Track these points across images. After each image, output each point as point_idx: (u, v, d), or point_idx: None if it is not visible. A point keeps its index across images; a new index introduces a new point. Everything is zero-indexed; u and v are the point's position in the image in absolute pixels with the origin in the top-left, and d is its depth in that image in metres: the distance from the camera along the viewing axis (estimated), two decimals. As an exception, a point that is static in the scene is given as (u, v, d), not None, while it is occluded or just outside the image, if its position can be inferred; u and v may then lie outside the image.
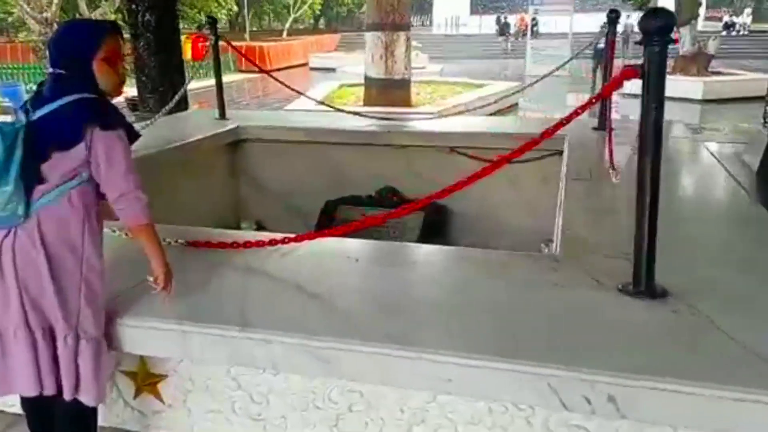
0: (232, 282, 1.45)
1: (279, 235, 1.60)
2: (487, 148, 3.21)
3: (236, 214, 3.53)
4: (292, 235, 1.57)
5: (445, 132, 3.32)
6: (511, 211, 3.15)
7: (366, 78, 7.24)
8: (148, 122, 2.95)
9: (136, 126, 2.94)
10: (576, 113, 1.38)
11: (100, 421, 1.50)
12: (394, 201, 3.18)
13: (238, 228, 3.50)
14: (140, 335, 1.30)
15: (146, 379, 1.44)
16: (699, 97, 9.16)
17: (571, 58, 4.73)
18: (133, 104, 5.05)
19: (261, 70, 3.88)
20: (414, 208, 1.51)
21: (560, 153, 3.05)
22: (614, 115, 3.16)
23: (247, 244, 1.57)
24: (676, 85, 8.91)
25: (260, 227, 3.52)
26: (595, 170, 2.38)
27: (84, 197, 1.25)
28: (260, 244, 1.56)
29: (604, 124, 3.11)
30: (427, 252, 1.66)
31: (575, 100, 9.69)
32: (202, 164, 3.22)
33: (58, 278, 1.22)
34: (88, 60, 1.27)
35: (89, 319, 1.24)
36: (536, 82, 3.71)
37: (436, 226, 3.04)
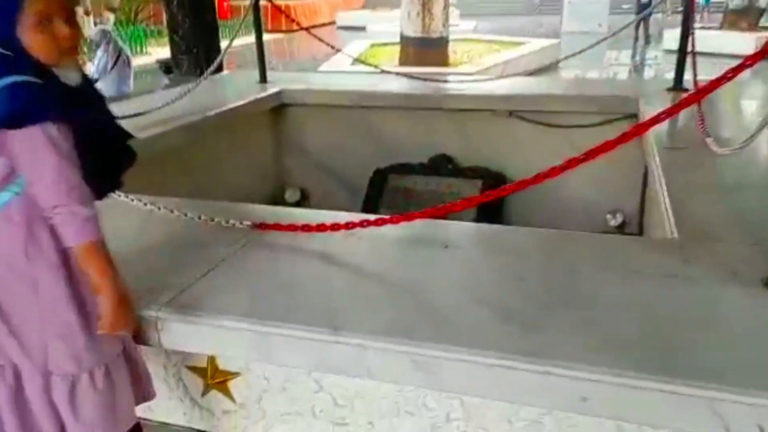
0: (311, 272, 1.28)
1: (356, 217, 1.42)
2: (550, 111, 3.00)
3: (280, 183, 3.37)
4: (372, 217, 1.40)
5: (503, 95, 3.08)
6: (570, 180, 2.95)
7: (402, 37, 6.96)
8: (191, 86, 2.77)
9: (176, 91, 2.83)
10: (726, 78, 1.11)
11: (166, 418, 1.39)
12: (448, 169, 2.99)
13: (283, 198, 3.36)
14: (210, 334, 1.14)
15: (216, 376, 1.30)
16: (750, 53, 8.65)
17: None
18: (166, 66, 4.87)
19: (302, 28, 3.64)
20: (518, 188, 1.30)
21: (631, 117, 2.83)
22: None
23: (321, 228, 1.40)
24: (725, 41, 8.44)
25: (304, 196, 3.37)
26: (686, 137, 2.15)
27: (29, 210, 1.00)
28: (335, 227, 1.39)
29: (681, 83, 2.86)
30: (523, 235, 1.46)
31: (615, 58, 9.29)
32: (244, 131, 3.05)
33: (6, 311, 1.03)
34: (11, 32, 0.96)
35: (62, 354, 1.05)
36: (598, 43, 3.43)
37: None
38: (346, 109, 3.20)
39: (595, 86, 3.68)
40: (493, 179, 2.89)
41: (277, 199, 3.34)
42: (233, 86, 3.47)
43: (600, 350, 1.00)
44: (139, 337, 1.19)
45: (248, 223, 1.44)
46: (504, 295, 1.18)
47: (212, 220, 1.47)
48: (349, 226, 1.39)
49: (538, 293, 1.18)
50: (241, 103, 2.97)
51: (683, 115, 2.79)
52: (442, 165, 3.00)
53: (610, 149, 1.31)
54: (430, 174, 2.97)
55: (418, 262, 1.30)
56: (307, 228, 1.41)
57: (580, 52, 3.35)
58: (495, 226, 1.51)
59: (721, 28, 9.51)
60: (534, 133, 3.02)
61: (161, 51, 6.81)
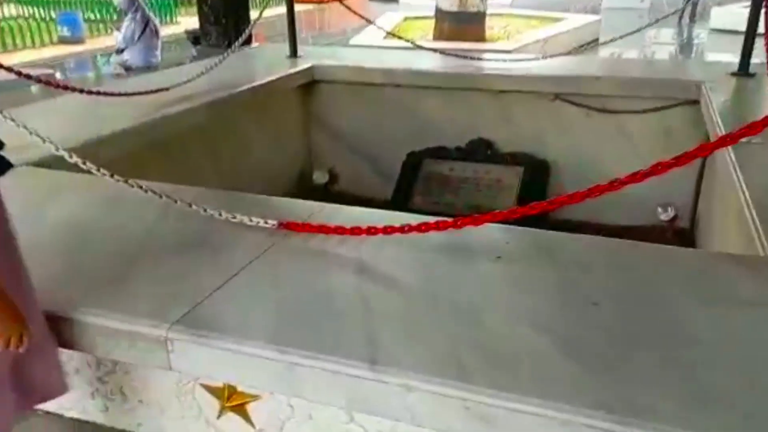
0: (345, 287, 1.11)
1: (394, 217, 1.25)
2: (599, 95, 2.77)
3: (309, 164, 3.21)
4: (414, 221, 1.22)
5: (548, 75, 2.85)
6: (621, 169, 2.72)
7: (437, 10, 6.67)
8: (218, 59, 2.61)
9: (202, 64, 2.66)
10: None
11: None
12: (487, 155, 2.79)
13: (311, 179, 3.20)
14: (228, 361, 0.99)
15: (234, 398, 1.15)
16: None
17: None
18: (194, 37, 4.70)
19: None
20: (570, 201, 1.11)
21: (691, 103, 2.59)
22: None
23: (355, 231, 1.23)
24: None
25: (333, 178, 3.20)
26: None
27: None
28: (372, 231, 1.22)
29: (747, 67, 2.61)
30: (588, 245, 1.27)
31: (655, 36, 8.87)
32: (273, 108, 2.89)
33: None
34: None
35: None
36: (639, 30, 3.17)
37: (536, 186, 2.64)
38: (380, 88, 3.01)
39: (648, 68, 3.41)
40: (535, 167, 2.68)
41: (305, 181, 3.18)
42: (262, 60, 3.30)
43: (702, 407, 0.82)
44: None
45: (274, 222, 1.28)
46: (573, 324, 0.99)
47: (234, 217, 1.30)
48: (387, 230, 1.22)
49: (614, 323, 1.00)
50: (270, 79, 2.80)
51: (751, 97, 2.56)
52: (480, 150, 2.80)
53: (684, 163, 1.11)
54: (468, 159, 2.78)
55: (469, 279, 1.12)
56: (340, 230, 1.24)
57: (634, 32, 3.09)
58: (553, 233, 1.31)
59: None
60: (581, 118, 2.80)
61: (191, 21, 6.63)
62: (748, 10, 2.57)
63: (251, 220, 1.29)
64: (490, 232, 1.30)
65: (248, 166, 2.73)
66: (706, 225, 2.41)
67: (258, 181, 2.66)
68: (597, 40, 7.02)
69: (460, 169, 2.76)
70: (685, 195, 2.70)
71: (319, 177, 3.18)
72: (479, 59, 3.13)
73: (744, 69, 2.61)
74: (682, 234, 2.64)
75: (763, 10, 2.45)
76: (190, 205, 1.34)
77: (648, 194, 2.73)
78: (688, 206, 2.70)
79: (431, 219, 1.23)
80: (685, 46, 8.57)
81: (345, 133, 3.13)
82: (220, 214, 1.31)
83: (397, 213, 1.38)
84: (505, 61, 2.99)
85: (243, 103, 2.61)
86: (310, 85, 3.07)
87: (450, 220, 1.22)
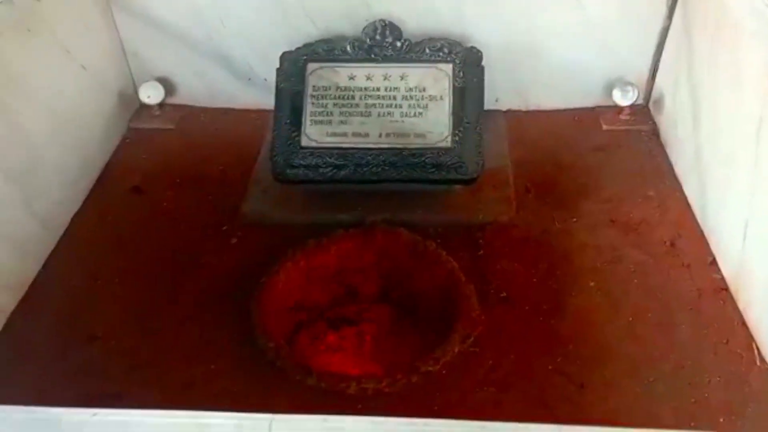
0: None
1: None
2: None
3: (126, 81, 2.17)
4: None
5: None
6: (569, 40, 2.04)
7: None
8: None
9: None
10: None
11: None
12: (396, 47, 1.95)
13: (135, 100, 2.18)
14: None
15: None
16: None
17: None
18: None
19: None
20: None
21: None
22: None
23: None
24: None
25: (171, 90, 2.21)
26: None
27: None
28: None
29: None
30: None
31: None
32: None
33: None
34: None
35: None
36: None
37: (472, 93, 1.90)
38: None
39: None
40: (467, 62, 1.91)
41: (128, 102, 2.18)
42: None
43: None
44: None
45: None
46: None
47: None
48: None
49: None
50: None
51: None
52: (386, 42, 1.94)
53: None
54: (372, 59, 1.92)
55: None
56: None
57: None
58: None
59: None
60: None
61: None
62: None
63: None
64: None
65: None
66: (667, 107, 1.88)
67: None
68: None
69: (363, 75, 1.91)
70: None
71: (150, 93, 2.17)
72: None
73: None
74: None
75: None
76: None
77: (603, 65, 2.11)
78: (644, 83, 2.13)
79: None
80: None
81: (177, 23, 2.08)
82: None
83: None
84: None
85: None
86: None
87: None
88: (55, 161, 1.74)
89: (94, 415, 0.86)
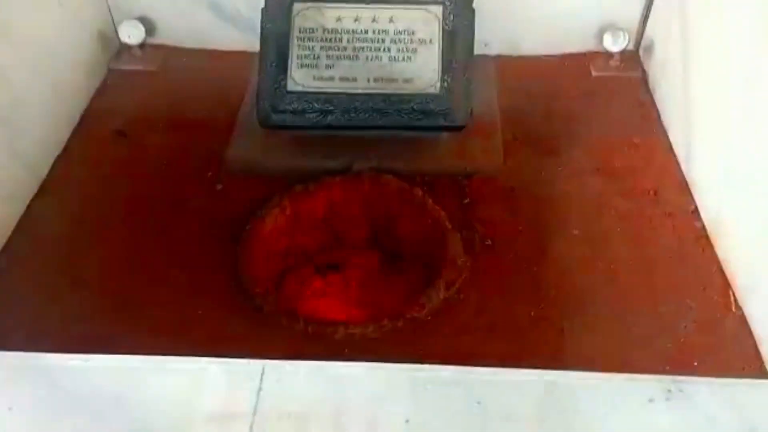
0: None
1: None
2: None
3: (104, 18, 2.10)
4: None
5: None
6: None
7: None
8: None
9: None
10: None
11: None
12: None
13: (115, 40, 2.12)
14: None
15: None
16: None
17: None
18: None
19: None
20: None
21: None
22: None
23: None
24: None
25: (151, 30, 2.15)
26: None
27: None
28: None
29: None
30: None
31: None
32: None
33: None
34: None
35: None
36: None
37: (462, 36, 1.86)
38: None
39: None
40: (458, 2, 1.86)
41: (107, 43, 2.11)
42: None
43: None
44: None
45: None
46: None
47: None
48: None
49: None
50: None
51: None
52: None
53: None
54: (354, 0, 1.87)
55: None
56: None
57: None
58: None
59: None
60: None
61: None
62: None
63: None
64: None
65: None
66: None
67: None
68: None
69: (351, 17, 1.86)
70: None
71: (131, 32, 2.11)
72: None
73: None
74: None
75: None
76: None
77: (590, 11, 2.08)
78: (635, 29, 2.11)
79: None
80: None
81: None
82: None
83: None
84: None
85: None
86: None
87: None
88: (34, 102, 1.70)
89: (87, 360, 0.87)
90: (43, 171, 1.72)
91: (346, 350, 1.30)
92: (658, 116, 1.88)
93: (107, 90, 1.99)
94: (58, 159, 1.76)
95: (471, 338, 1.34)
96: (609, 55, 2.04)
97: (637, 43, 2.09)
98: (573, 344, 1.32)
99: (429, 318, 1.36)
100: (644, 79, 2.01)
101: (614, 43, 2.01)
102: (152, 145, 1.81)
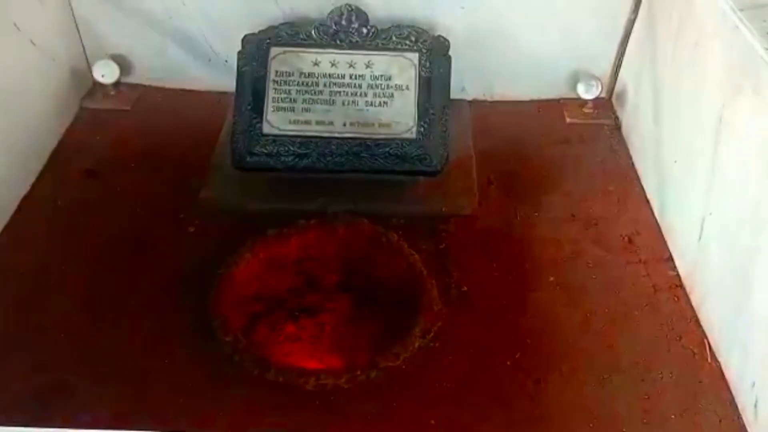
0: None
1: None
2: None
3: (79, 57, 2.08)
4: None
5: None
6: (535, 30, 2.04)
7: None
8: None
9: None
10: None
11: None
12: (362, 33, 1.91)
13: (88, 78, 2.10)
14: None
15: None
16: None
17: None
18: None
19: None
20: None
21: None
22: None
23: None
24: None
25: (126, 68, 2.13)
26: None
27: None
28: None
29: None
30: None
31: None
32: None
33: None
34: None
35: None
36: None
37: (438, 83, 1.88)
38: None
39: None
40: (433, 51, 1.88)
41: (82, 80, 2.09)
42: None
43: None
44: None
45: None
46: None
47: None
48: None
49: None
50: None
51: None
52: (352, 27, 1.90)
53: None
54: (338, 45, 1.88)
55: None
56: None
57: None
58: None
59: None
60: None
61: None
62: None
63: None
64: None
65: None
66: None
67: None
68: None
69: (328, 62, 1.87)
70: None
71: (105, 72, 2.09)
72: None
73: None
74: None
75: None
76: None
77: (568, 59, 2.12)
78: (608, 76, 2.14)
79: None
80: None
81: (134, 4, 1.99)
82: None
83: None
84: None
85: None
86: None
87: None
88: (1, 140, 1.66)
89: None
90: (9, 212, 1.66)
91: (317, 402, 1.26)
92: (632, 163, 1.90)
93: (78, 128, 1.96)
94: (25, 199, 1.71)
95: (446, 388, 1.31)
96: (583, 102, 2.07)
97: (610, 91, 2.13)
98: (550, 394, 1.30)
99: (404, 367, 1.33)
100: (617, 126, 2.04)
101: (587, 92, 2.04)
102: (123, 186, 1.77)
